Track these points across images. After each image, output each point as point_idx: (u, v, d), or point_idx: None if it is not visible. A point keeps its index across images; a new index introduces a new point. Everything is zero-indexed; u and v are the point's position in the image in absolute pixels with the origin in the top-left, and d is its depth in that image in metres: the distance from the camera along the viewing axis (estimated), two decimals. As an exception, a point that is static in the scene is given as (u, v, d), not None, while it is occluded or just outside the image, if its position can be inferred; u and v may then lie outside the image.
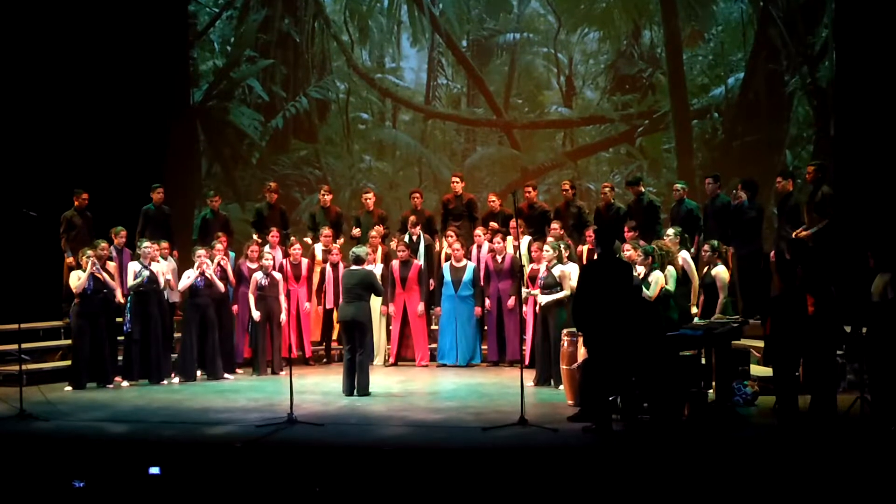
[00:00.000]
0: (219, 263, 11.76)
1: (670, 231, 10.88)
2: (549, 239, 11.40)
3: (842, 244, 11.26)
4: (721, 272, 10.32)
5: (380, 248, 12.62)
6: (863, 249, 9.42)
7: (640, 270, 9.69)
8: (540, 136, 15.85)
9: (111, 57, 14.79)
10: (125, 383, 11.22)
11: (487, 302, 12.28)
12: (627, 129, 15.38)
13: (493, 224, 12.64)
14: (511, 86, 15.84)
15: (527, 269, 11.29)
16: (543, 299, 10.63)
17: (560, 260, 10.71)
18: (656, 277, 9.69)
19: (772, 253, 11.66)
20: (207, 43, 16.44)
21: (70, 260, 12.31)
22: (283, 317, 11.79)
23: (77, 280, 10.95)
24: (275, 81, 16.17)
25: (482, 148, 15.93)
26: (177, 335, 12.01)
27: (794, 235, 11.02)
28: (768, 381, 9.49)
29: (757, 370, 10.26)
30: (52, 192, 13.19)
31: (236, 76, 16.27)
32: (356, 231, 12.98)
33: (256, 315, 11.76)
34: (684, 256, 10.64)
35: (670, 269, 9.91)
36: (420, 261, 12.55)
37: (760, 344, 10.40)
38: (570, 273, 10.53)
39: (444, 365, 12.29)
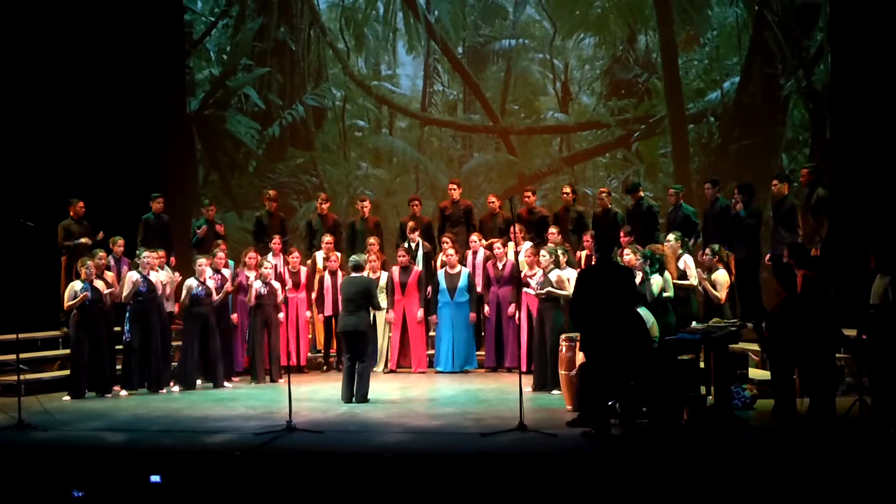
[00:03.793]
0: (219, 271, 11.78)
1: (671, 236, 10.89)
2: (549, 245, 11.39)
3: (841, 246, 11.29)
4: (720, 276, 10.35)
5: (377, 257, 12.61)
6: (863, 251, 9.44)
7: (639, 275, 9.71)
8: (536, 141, 15.86)
9: (108, 66, 14.81)
10: (123, 392, 11.21)
11: (487, 308, 12.27)
12: (624, 133, 15.39)
13: (494, 240, 12.57)
14: (507, 92, 15.86)
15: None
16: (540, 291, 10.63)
17: (557, 265, 10.71)
18: (656, 281, 9.71)
19: (766, 257, 11.67)
20: (203, 52, 16.46)
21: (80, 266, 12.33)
22: (281, 316, 11.78)
23: (71, 291, 10.95)
24: (271, 89, 16.19)
25: (479, 154, 15.94)
26: (175, 343, 12.00)
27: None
28: (767, 385, 9.51)
29: (755, 373, 10.27)
30: (50, 202, 13.17)
31: (232, 85, 16.29)
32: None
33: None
34: (686, 261, 10.66)
35: (666, 274, 9.95)
36: (419, 267, 12.55)
37: (758, 347, 10.42)
38: (568, 278, 10.53)
39: (441, 371, 12.28)
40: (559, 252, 10.88)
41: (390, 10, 15.98)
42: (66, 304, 10.95)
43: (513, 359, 11.92)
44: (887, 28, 13.35)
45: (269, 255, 12.42)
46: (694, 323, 9.99)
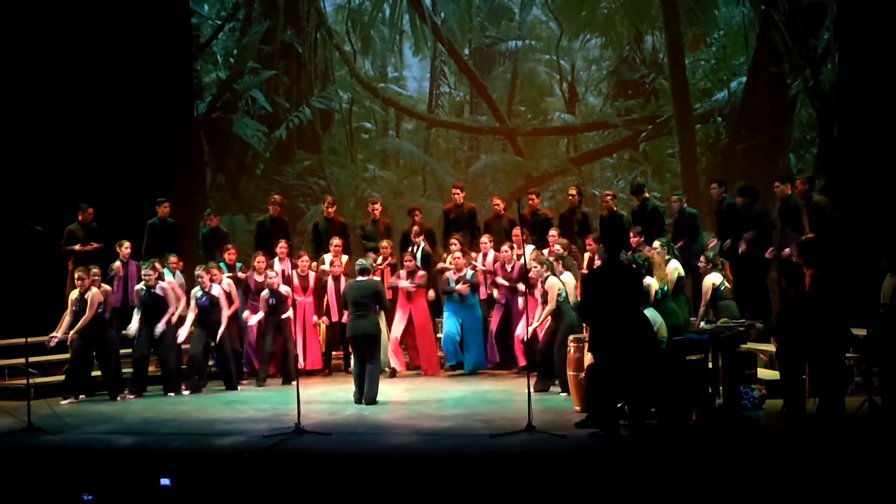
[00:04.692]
0: (218, 283, 11.78)
1: (656, 243, 10.91)
2: (540, 255, 11.29)
3: (850, 246, 11.26)
4: (706, 280, 10.40)
5: (389, 259, 12.61)
6: (873, 251, 9.42)
7: None
8: (543, 142, 15.85)
9: (116, 70, 14.85)
10: (130, 396, 11.23)
11: (495, 310, 12.23)
12: (631, 134, 15.38)
13: (488, 239, 12.55)
14: (514, 93, 15.86)
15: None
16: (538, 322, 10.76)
17: (554, 272, 10.68)
18: (650, 284, 9.69)
19: (770, 250, 11.59)
20: (210, 55, 16.50)
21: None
22: (289, 314, 11.78)
23: (73, 296, 11.10)
24: (278, 92, 16.22)
25: (486, 155, 15.93)
26: (185, 347, 12.03)
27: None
28: (775, 385, 9.49)
29: (764, 374, 10.26)
30: (60, 206, 13.21)
31: (239, 88, 16.31)
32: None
33: (246, 314, 11.88)
34: (669, 267, 10.64)
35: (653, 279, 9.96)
36: (422, 270, 12.50)
37: (766, 347, 10.40)
38: (556, 285, 10.51)
39: (452, 367, 12.22)
40: (552, 259, 10.88)
41: (396, 12, 15.99)
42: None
43: (521, 361, 11.89)
44: (894, 26, 13.32)
45: (276, 260, 12.43)
46: (703, 324, 9.99)
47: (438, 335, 12.66)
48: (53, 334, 11.19)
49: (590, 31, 15.60)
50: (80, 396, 11.10)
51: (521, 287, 11.69)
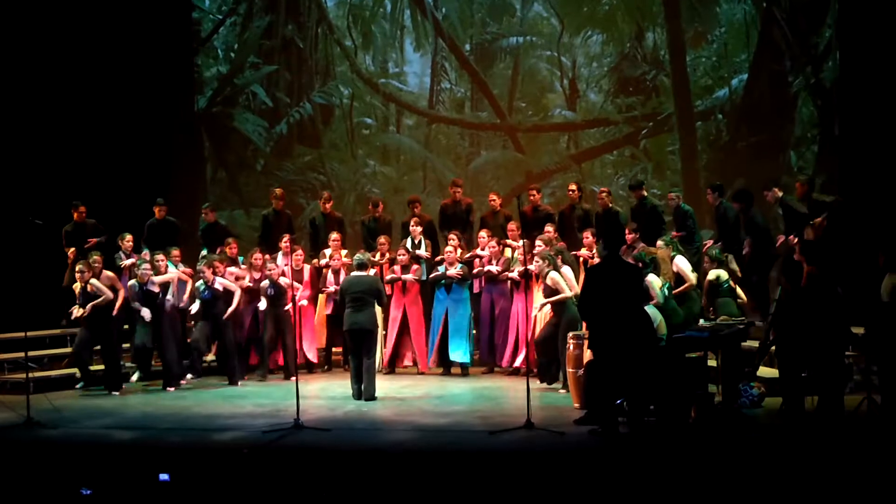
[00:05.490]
0: (221, 276, 11.79)
1: (660, 242, 10.91)
2: (543, 250, 11.26)
3: (849, 244, 11.25)
4: (709, 277, 10.42)
5: (387, 255, 12.60)
6: (872, 249, 9.42)
7: None
8: (544, 139, 15.84)
9: (117, 65, 14.84)
10: (134, 380, 11.30)
11: (483, 306, 12.16)
12: (631, 131, 15.36)
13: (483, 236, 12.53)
14: (515, 89, 15.84)
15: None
16: (541, 302, 10.65)
17: (555, 267, 10.67)
18: (652, 281, 9.69)
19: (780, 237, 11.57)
20: (211, 50, 16.48)
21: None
22: (288, 308, 11.77)
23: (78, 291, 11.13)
24: (278, 87, 16.21)
25: (486, 152, 15.92)
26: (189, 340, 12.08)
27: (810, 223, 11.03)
28: (775, 383, 9.50)
29: (763, 371, 10.26)
30: (60, 200, 13.22)
31: (240, 82, 16.30)
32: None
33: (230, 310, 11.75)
34: (679, 262, 10.64)
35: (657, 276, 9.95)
36: (422, 265, 12.47)
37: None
38: (559, 280, 10.49)
39: (448, 370, 12.21)
40: (552, 253, 10.87)
41: (398, 7, 15.98)
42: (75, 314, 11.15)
43: (511, 359, 11.84)
44: (895, 24, 13.30)
45: (279, 255, 12.44)
46: (702, 321, 10.00)
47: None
48: (72, 309, 11.20)
49: (591, 28, 15.58)
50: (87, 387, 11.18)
51: (511, 275, 11.68)
